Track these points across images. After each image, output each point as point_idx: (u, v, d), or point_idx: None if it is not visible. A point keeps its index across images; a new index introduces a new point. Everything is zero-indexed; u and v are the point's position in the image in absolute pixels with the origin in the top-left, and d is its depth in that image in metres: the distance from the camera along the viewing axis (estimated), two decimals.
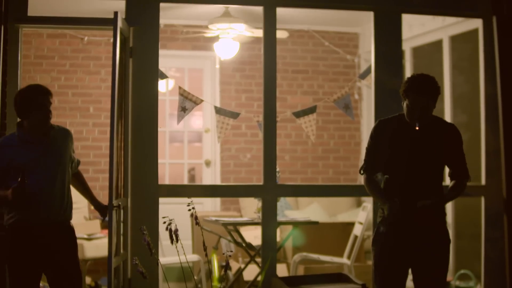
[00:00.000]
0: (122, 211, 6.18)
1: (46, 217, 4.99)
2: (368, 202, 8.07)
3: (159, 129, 6.39)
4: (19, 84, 6.07)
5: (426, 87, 4.71)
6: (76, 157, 5.50)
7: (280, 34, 6.65)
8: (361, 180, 5.01)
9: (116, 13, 5.78)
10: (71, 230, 5.21)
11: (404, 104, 4.77)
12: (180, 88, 6.72)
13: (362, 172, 4.94)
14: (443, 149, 4.82)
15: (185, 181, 10.40)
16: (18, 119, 5.15)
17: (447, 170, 4.97)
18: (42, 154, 5.02)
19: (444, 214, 4.87)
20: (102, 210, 5.50)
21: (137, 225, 6.01)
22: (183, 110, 6.66)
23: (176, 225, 5.04)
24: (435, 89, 4.73)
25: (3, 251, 5.06)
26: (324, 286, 6.43)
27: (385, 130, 4.89)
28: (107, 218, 5.50)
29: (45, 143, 5.08)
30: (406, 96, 4.73)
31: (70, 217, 5.20)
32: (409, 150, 4.77)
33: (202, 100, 6.87)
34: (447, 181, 5.04)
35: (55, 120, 9.59)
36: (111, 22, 5.81)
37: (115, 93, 5.74)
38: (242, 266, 7.50)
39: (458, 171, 4.90)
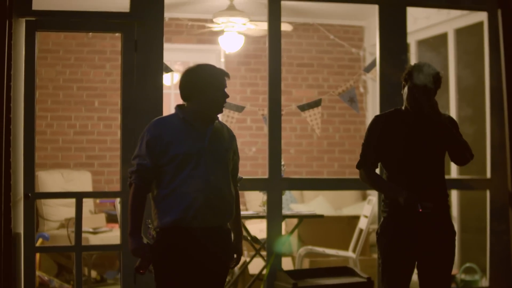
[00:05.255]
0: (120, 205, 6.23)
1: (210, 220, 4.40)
2: (373, 196, 8.07)
3: None
4: (23, 78, 6.06)
5: (428, 68, 4.74)
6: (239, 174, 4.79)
7: (285, 27, 6.64)
8: None
9: None
10: (230, 235, 4.61)
11: (405, 89, 4.77)
12: None
13: (359, 167, 4.93)
14: (442, 138, 4.79)
15: None
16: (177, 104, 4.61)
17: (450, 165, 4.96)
18: (208, 145, 4.41)
19: (448, 207, 4.87)
20: (238, 253, 4.69)
21: None
22: None
23: None
24: (437, 73, 4.74)
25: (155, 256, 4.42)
26: (329, 280, 6.44)
27: (382, 125, 4.86)
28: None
29: (210, 132, 4.46)
30: (409, 78, 4.73)
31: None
32: (409, 143, 4.75)
33: None
34: (452, 175, 5.03)
35: (60, 114, 9.70)
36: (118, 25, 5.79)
37: None
38: (248, 259, 7.51)
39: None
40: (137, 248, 4.32)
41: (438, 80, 4.75)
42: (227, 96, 4.50)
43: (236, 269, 7.68)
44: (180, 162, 4.34)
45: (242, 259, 7.96)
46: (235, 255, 4.67)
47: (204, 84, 4.44)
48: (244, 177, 4.91)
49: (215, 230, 4.43)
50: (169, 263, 4.37)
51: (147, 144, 4.39)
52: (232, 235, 4.65)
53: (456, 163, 4.93)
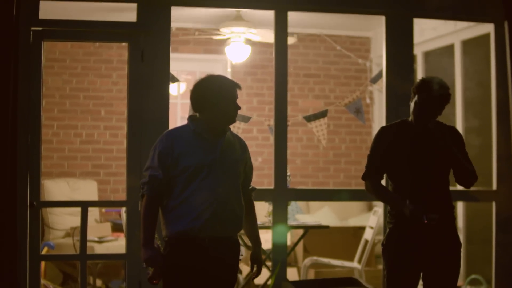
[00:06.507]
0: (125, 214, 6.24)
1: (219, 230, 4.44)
2: (379, 207, 8.06)
3: None
4: (30, 87, 6.06)
5: (441, 82, 4.72)
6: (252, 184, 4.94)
7: (289, 40, 6.64)
8: None
9: None
10: (238, 246, 4.64)
11: (413, 102, 4.77)
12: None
13: (364, 178, 4.92)
14: (447, 152, 4.79)
15: None
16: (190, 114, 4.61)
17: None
18: (219, 157, 4.46)
19: (454, 218, 4.86)
20: (258, 264, 4.73)
21: None
22: None
23: None
24: (448, 91, 4.73)
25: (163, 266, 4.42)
26: None
27: (388, 136, 4.86)
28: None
29: (221, 144, 4.50)
30: (419, 91, 4.72)
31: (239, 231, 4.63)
32: (414, 154, 4.75)
33: None
34: (457, 187, 5.01)
35: (66, 123, 9.71)
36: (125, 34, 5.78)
37: None
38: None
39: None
40: (150, 258, 4.35)
41: (448, 96, 4.77)
42: (239, 107, 4.52)
43: (242, 279, 7.66)
44: (192, 173, 4.38)
45: (247, 269, 7.97)
46: (255, 266, 4.71)
47: (216, 96, 4.44)
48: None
49: (223, 241, 4.47)
50: (177, 272, 4.40)
51: (159, 156, 4.41)
52: (251, 245, 4.74)
53: (459, 184, 4.93)
